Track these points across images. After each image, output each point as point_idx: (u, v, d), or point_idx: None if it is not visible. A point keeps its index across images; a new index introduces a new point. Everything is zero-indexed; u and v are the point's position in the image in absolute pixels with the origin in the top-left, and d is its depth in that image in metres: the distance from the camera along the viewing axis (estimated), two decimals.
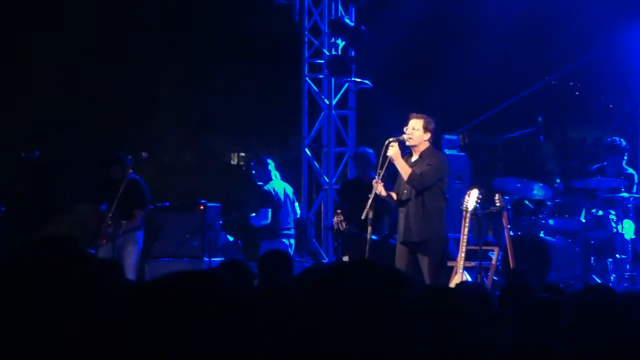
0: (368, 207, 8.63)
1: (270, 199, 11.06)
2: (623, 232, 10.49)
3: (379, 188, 8.58)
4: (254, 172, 11.25)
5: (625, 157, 10.83)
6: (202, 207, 10.95)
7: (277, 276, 5.83)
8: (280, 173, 11.35)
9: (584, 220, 10.67)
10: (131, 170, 9.92)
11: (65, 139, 12.45)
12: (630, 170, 10.86)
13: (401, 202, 8.68)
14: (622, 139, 10.91)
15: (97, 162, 10.51)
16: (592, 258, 10.54)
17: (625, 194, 10.61)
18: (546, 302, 4.29)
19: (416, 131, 8.59)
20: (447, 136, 11.35)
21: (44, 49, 13.03)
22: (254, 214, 11.12)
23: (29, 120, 12.88)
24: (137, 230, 10.20)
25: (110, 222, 9.80)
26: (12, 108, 12.84)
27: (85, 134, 13.17)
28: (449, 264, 8.89)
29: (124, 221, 9.93)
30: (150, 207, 11.12)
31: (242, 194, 13.78)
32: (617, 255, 10.45)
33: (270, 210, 11.04)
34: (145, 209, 10.28)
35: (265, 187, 11.11)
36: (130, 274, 9.71)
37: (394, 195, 8.76)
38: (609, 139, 11.00)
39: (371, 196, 8.65)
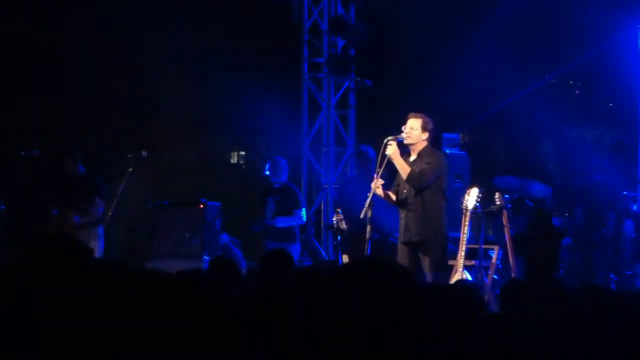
0: (367, 206, 8.63)
1: (302, 200, 11.17)
2: (623, 230, 10.50)
3: (378, 189, 8.58)
4: (269, 172, 11.19)
5: (631, 158, 10.87)
6: (201, 206, 10.94)
7: (280, 275, 5.83)
8: None
9: (584, 219, 10.68)
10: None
11: (65, 139, 12.43)
12: (632, 169, 10.87)
13: (401, 202, 8.69)
14: (629, 139, 10.93)
15: (51, 157, 10.35)
16: (593, 257, 10.54)
17: (626, 192, 10.62)
18: (547, 301, 4.28)
19: (414, 130, 8.60)
20: (447, 135, 11.34)
21: (44, 49, 13.02)
22: (280, 216, 11.00)
23: (29, 120, 12.88)
24: (98, 223, 10.02)
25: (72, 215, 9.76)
26: (12, 107, 12.84)
27: (86, 133, 13.16)
28: (449, 262, 8.89)
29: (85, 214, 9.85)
30: (151, 206, 11.10)
31: (242, 193, 13.76)
32: (618, 254, 10.45)
33: (304, 210, 11.13)
34: (104, 200, 10.11)
35: (295, 187, 11.18)
36: None
37: (392, 195, 8.76)
38: (616, 139, 11.03)
39: (370, 195, 8.65)
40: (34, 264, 2.83)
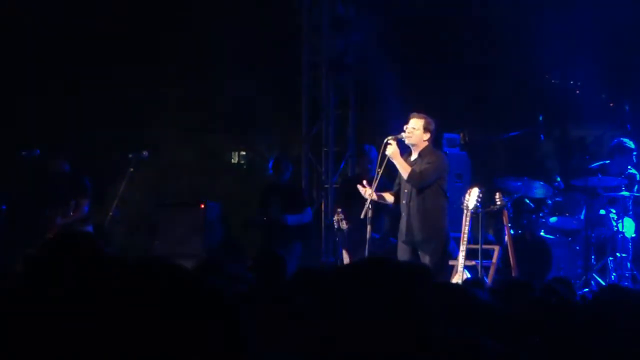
0: (367, 205, 8.63)
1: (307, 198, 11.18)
2: (624, 230, 10.50)
3: (368, 194, 8.58)
4: (272, 171, 11.16)
5: (634, 159, 10.85)
6: (202, 206, 10.94)
7: (273, 276, 5.85)
8: None
9: (584, 219, 10.68)
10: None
11: (65, 139, 12.45)
12: (632, 170, 10.86)
13: (402, 201, 8.68)
14: (630, 140, 10.92)
15: (35, 155, 10.26)
16: (593, 257, 10.55)
17: (626, 193, 10.61)
18: (546, 301, 4.28)
19: (416, 131, 8.59)
20: (447, 134, 11.34)
21: (44, 49, 13.03)
22: (289, 214, 10.95)
23: (29, 119, 12.89)
24: (86, 223, 9.96)
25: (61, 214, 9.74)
26: (12, 107, 12.85)
27: (86, 132, 13.18)
28: (450, 262, 8.89)
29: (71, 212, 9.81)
30: (151, 206, 11.11)
31: (243, 193, 13.76)
32: (618, 254, 10.45)
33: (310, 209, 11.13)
34: (87, 199, 10.05)
35: (299, 185, 11.17)
36: None
37: (387, 196, 8.77)
38: (617, 140, 11.02)
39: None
40: (49, 262, 2.83)
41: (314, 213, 12.53)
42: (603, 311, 3.49)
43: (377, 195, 8.66)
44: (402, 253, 8.60)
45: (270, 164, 11.28)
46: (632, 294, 3.84)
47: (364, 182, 8.69)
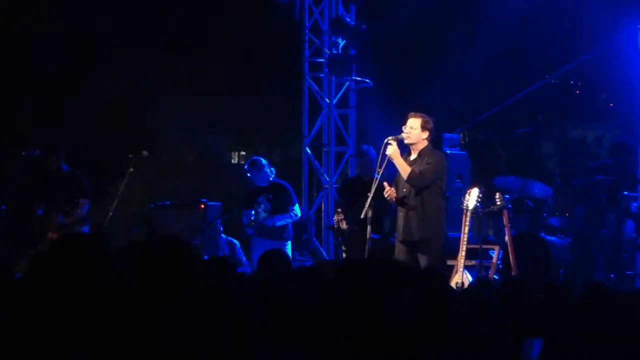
0: (367, 205, 8.62)
1: (294, 195, 11.04)
2: (624, 230, 10.49)
3: (391, 194, 8.53)
4: (249, 174, 10.97)
5: (634, 159, 10.84)
6: (202, 206, 10.93)
7: (279, 275, 5.83)
8: (280, 171, 11.29)
9: (584, 219, 10.67)
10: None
11: (65, 139, 12.44)
12: (632, 170, 10.85)
13: (400, 201, 8.67)
14: (630, 140, 10.91)
15: (35, 155, 10.19)
16: (593, 257, 10.54)
17: (626, 192, 10.61)
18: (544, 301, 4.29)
19: (414, 130, 8.58)
20: (447, 135, 11.33)
21: (43, 49, 13.03)
22: (276, 213, 10.82)
23: (29, 120, 12.90)
24: (84, 223, 9.92)
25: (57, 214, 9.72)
26: (12, 107, 12.85)
27: (86, 133, 13.18)
28: (449, 262, 8.88)
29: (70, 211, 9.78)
30: (152, 206, 11.10)
31: (242, 193, 13.78)
32: (618, 254, 10.44)
33: (298, 206, 10.98)
34: (88, 199, 10.02)
35: (286, 184, 11.00)
36: None
37: None
38: (617, 140, 11.02)
39: (370, 195, 8.64)
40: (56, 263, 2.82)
41: (314, 213, 12.53)
42: (588, 311, 3.49)
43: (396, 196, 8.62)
44: (400, 252, 8.58)
45: (245, 167, 11.08)
46: (616, 295, 3.84)
47: (385, 183, 8.63)
